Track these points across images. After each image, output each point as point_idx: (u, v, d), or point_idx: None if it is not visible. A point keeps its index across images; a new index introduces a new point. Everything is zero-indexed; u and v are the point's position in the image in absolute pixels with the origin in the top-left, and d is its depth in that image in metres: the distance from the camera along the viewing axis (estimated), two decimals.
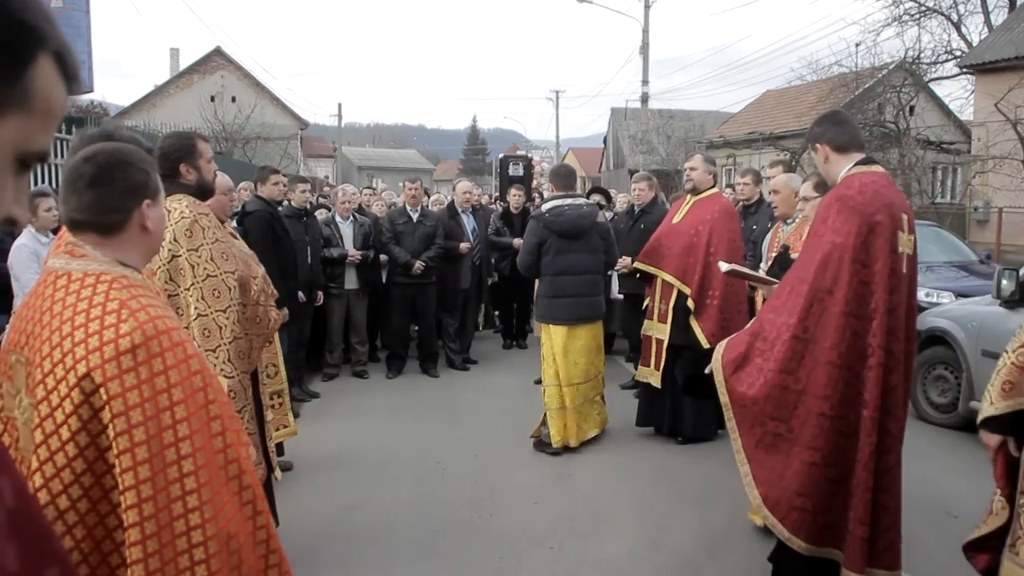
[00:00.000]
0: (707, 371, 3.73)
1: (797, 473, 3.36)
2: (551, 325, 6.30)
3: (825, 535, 3.41)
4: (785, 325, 3.37)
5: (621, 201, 10.16)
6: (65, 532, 1.70)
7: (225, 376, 3.39)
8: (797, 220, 5.19)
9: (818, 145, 3.58)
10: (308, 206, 8.09)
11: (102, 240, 1.90)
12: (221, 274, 3.51)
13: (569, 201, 6.29)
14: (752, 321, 3.70)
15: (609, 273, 8.41)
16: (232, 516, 1.82)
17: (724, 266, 4.63)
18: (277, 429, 5.40)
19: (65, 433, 1.71)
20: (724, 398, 3.56)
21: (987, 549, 3.17)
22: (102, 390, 1.70)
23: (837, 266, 3.28)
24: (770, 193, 5.54)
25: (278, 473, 4.67)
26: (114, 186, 1.90)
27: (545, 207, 6.36)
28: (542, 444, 6.29)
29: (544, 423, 6.33)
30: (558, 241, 6.22)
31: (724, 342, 3.72)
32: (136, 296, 1.82)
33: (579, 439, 6.29)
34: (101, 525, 1.73)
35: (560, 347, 6.24)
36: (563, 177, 6.53)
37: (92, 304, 1.78)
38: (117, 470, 1.69)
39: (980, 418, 3.14)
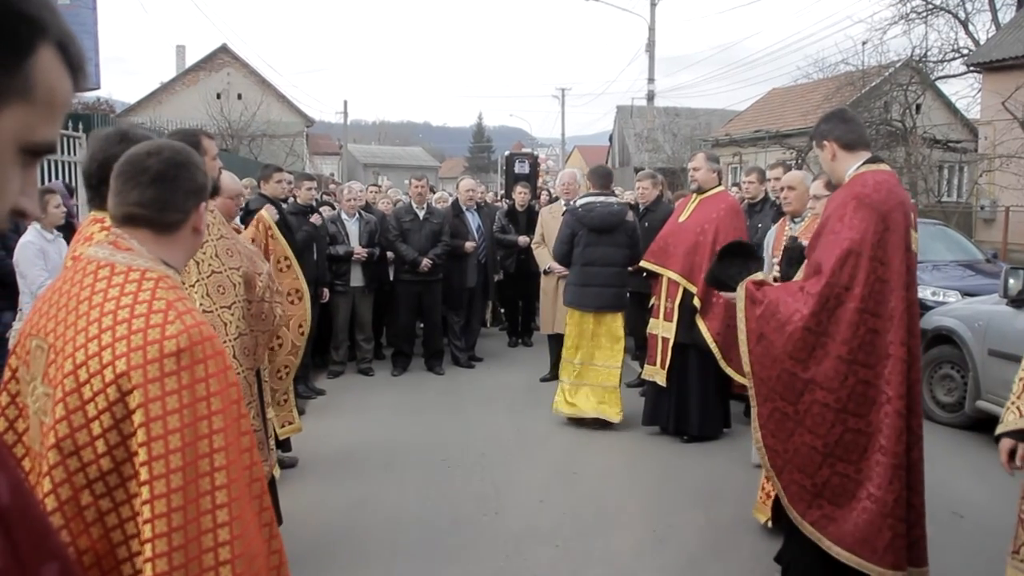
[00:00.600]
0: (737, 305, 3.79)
1: (798, 452, 3.45)
2: (577, 311, 6.81)
3: (844, 536, 3.38)
4: (799, 314, 3.38)
5: (626, 199, 10.14)
6: (83, 530, 1.65)
7: None
8: (807, 218, 5.18)
9: (825, 142, 3.57)
10: (314, 203, 8.10)
11: (155, 238, 1.85)
12: (226, 270, 3.51)
13: (602, 199, 6.82)
14: (769, 290, 3.65)
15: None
16: (255, 536, 1.75)
17: None
18: (283, 426, 5.42)
19: (96, 429, 1.65)
20: (747, 367, 3.62)
21: None
22: (139, 391, 1.63)
23: (855, 263, 3.29)
24: (783, 190, 5.52)
25: (276, 471, 4.68)
26: (178, 185, 1.86)
27: (579, 202, 6.91)
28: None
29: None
30: (588, 234, 6.74)
31: (745, 288, 3.69)
32: (181, 298, 1.78)
33: (585, 414, 6.76)
34: (120, 529, 1.67)
35: (584, 331, 6.79)
36: (601, 177, 7.07)
37: (137, 300, 1.72)
38: (145, 476, 1.61)
39: (1005, 430, 2.98)
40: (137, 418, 1.63)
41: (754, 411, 3.63)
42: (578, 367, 6.79)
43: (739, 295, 3.71)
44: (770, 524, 4.51)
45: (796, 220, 5.40)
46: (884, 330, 3.30)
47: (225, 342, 3.40)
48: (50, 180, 7.43)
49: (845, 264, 3.30)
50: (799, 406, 3.42)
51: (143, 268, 1.79)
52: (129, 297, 1.73)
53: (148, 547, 1.59)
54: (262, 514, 1.82)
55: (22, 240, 5.50)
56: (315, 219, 7.69)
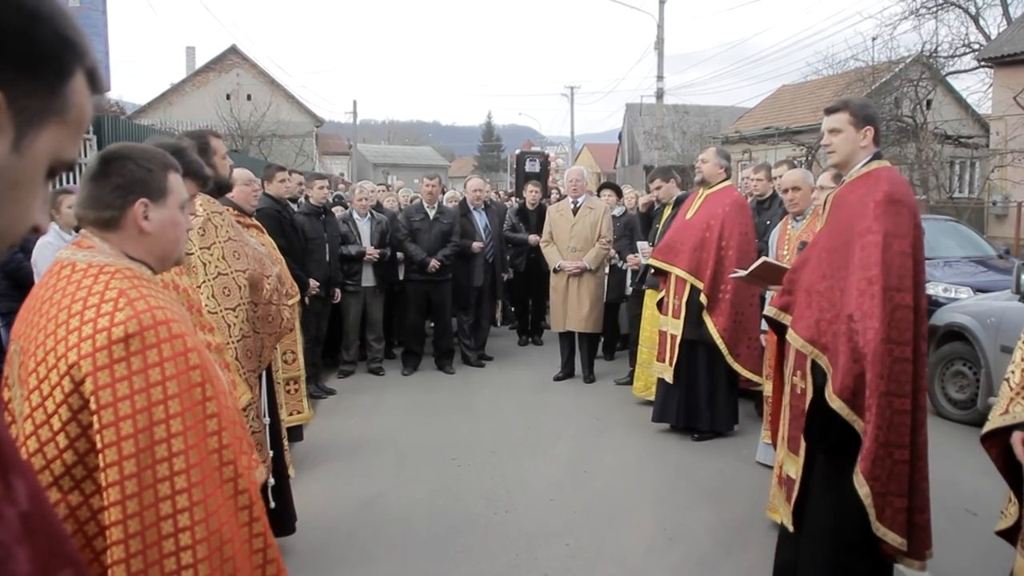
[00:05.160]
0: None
1: (902, 473, 3.24)
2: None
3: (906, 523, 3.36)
4: (874, 331, 3.19)
5: (631, 197, 10.08)
6: None
7: None
8: (808, 216, 5.18)
9: (870, 127, 3.47)
10: (326, 203, 8.13)
11: (103, 236, 1.88)
12: (232, 272, 3.57)
13: None
14: (838, 332, 3.32)
15: (623, 267, 8.38)
16: (226, 521, 1.73)
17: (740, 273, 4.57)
18: (291, 414, 5.50)
19: (56, 423, 1.66)
20: (862, 425, 3.27)
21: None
22: (89, 380, 1.64)
23: (900, 262, 3.24)
24: (787, 191, 5.51)
25: (291, 470, 4.70)
26: (108, 181, 1.87)
27: None
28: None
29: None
30: None
31: (832, 380, 3.31)
32: (137, 287, 1.77)
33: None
34: (93, 520, 1.68)
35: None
36: None
37: (91, 293, 1.73)
38: (101, 463, 1.62)
39: (1015, 421, 2.94)
40: (91, 406, 1.64)
41: (863, 491, 3.22)
42: (647, 352, 7.13)
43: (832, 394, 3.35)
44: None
45: (798, 219, 5.39)
46: (919, 324, 3.30)
47: (228, 343, 3.43)
48: (65, 183, 7.47)
49: (892, 264, 3.22)
50: (891, 425, 3.23)
51: (102, 263, 1.81)
52: (84, 291, 1.74)
53: (108, 534, 1.62)
54: (237, 498, 1.79)
55: (40, 241, 5.55)
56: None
